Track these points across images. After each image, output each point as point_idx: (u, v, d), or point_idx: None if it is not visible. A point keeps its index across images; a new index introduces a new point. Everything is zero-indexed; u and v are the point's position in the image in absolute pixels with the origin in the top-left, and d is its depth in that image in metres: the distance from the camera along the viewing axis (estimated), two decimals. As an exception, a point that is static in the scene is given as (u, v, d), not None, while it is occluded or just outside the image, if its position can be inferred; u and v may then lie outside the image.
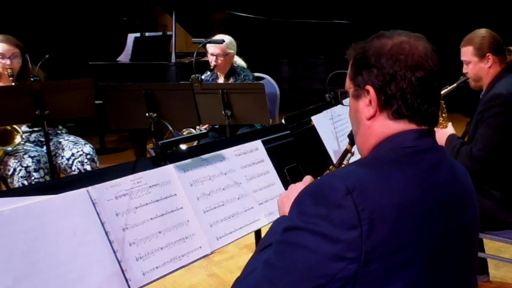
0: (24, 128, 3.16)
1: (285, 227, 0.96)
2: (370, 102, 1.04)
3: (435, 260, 0.96)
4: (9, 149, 3.00)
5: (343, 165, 1.38)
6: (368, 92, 1.03)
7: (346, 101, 1.20)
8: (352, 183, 0.91)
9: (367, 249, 0.87)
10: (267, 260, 0.97)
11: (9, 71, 3.00)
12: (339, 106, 2.19)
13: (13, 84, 2.99)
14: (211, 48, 3.56)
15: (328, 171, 1.42)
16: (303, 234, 0.91)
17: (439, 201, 0.98)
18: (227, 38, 3.60)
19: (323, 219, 0.89)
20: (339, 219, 0.88)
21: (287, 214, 1.08)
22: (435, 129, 2.86)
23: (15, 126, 3.00)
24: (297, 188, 1.26)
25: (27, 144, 3.13)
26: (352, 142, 1.29)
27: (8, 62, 3.02)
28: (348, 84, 1.11)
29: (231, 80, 3.67)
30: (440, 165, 1.02)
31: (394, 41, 1.03)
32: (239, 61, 3.79)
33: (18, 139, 3.01)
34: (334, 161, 1.72)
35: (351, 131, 1.33)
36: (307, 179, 1.31)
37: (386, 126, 1.03)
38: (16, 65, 3.05)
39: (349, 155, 1.34)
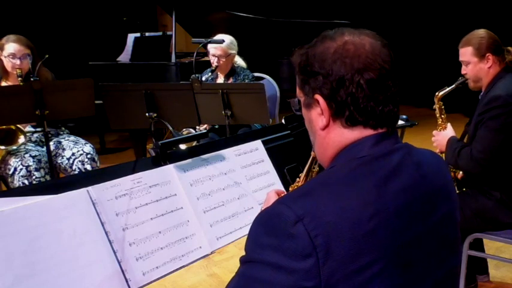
0: (28, 128, 3.16)
1: (243, 259, 0.93)
2: (322, 111, 0.98)
3: (405, 267, 0.92)
4: (14, 147, 3.01)
5: (313, 170, 1.35)
6: (318, 101, 0.97)
7: None
8: (301, 209, 0.86)
9: (326, 275, 0.83)
10: None
11: (18, 71, 3.01)
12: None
13: (20, 84, 3.00)
14: (212, 49, 3.56)
15: (298, 179, 1.39)
16: (258, 267, 0.87)
17: (402, 207, 0.93)
18: (228, 38, 3.60)
19: (276, 250, 0.85)
20: (291, 249, 0.84)
21: None
22: (435, 131, 2.85)
23: (19, 126, 3.01)
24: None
25: (28, 143, 3.13)
26: None
27: (18, 62, 3.03)
28: (298, 93, 1.05)
29: (231, 80, 3.66)
30: (402, 166, 0.96)
31: (338, 43, 0.96)
32: (239, 61, 3.79)
33: (22, 139, 3.01)
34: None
35: None
36: (271, 198, 1.26)
37: (342, 135, 0.98)
38: (26, 65, 3.05)
39: (316, 160, 1.32)
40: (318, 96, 0.97)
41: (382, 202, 0.90)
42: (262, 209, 1.24)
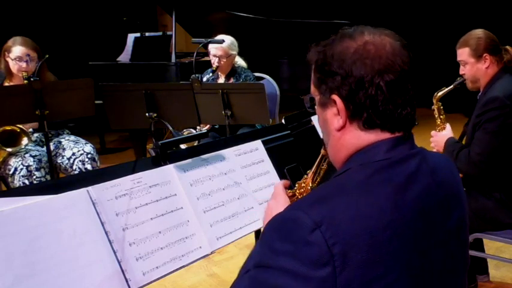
0: (29, 129, 3.17)
1: (256, 263, 0.90)
2: (338, 112, 0.95)
3: (421, 274, 0.91)
4: (17, 149, 3.01)
5: (322, 168, 1.35)
6: (335, 101, 0.95)
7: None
8: (319, 216, 0.84)
9: (342, 283, 0.82)
10: None
11: (24, 73, 3.02)
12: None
13: (20, 84, 3.01)
14: (213, 49, 3.56)
15: (305, 176, 1.38)
16: (273, 273, 0.85)
17: (419, 214, 0.92)
18: (229, 39, 3.60)
19: (292, 257, 0.83)
20: (308, 256, 0.82)
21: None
22: (433, 132, 2.84)
23: (23, 127, 3.02)
24: (273, 205, 1.20)
25: (28, 143, 3.14)
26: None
27: (24, 64, 3.04)
28: (313, 91, 1.02)
29: (232, 80, 3.67)
30: (418, 173, 0.94)
31: (358, 42, 0.94)
32: (240, 61, 3.80)
33: (25, 141, 3.02)
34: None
35: None
36: (279, 196, 1.24)
37: (358, 138, 0.95)
38: (32, 68, 3.06)
39: (325, 158, 1.31)
40: (335, 97, 0.95)
41: (398, 211, 0.89)
42: (269, 203, 1.24)
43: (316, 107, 1.03)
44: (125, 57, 5.35)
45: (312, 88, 1.03)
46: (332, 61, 0.95)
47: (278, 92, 3.93)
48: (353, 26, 0.99)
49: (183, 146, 2.29)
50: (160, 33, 5.85)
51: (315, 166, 1.34)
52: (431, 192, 0.96)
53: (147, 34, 5.51)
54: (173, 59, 5.03)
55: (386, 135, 0.95)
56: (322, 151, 1.28)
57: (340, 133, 0.97)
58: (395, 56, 0.93)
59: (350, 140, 0.96)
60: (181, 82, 4.52)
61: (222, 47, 3.52)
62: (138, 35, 5.39)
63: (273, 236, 0.88)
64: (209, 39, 3.52)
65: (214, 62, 3.57)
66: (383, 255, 0.85)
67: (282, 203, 1.20)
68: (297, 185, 1.37)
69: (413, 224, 0.90)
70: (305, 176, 1.38)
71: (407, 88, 0.94)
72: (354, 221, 0.85)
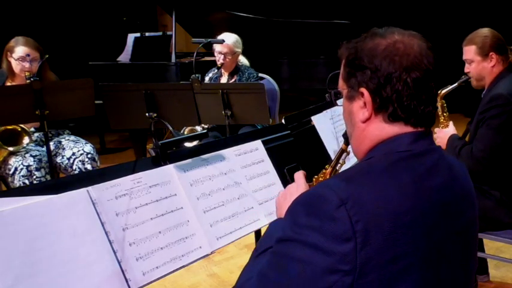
0: (31, 129, 3.17)
1: (279, 237, 0.95)
2: (365, 104, 1.01)
3: (433, 265, 0.94)
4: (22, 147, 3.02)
5: (339, 164, 1.36)
6: (362, 94, 1.00)
7: (340, 101, 1.17)
8: (345, 194, 0.89)
9: (362, 260, 0.86)
10: (262, 271, 0.96)
11: (27, 73, 3.01)
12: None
13: (20, 84, 3.01)
14: (218, 46, 3.57)
15: (324, 171, 1.40)
16: (296, 247, 0.89)
17: (436, 206, 0.96)
18: (234, 37, 3.62)
19: (316, 231, 0.88)
20: (332, 231, 0.87)
21: (283, 216, 1.06)
22: (437, 129, 2.85)
23: (24, 127, 3.02)
24: (293, 188, 1.25)
25: (29, 143, 3.14)
26: (347, 141, 1.27)
27: (27, 65, 3.04)
28: (341, 85, 1.08)
29: (235, 78, 3.67)
30: (437, 167, 0.99)
31: (388, 40, 0.99)
32: (243, 60, 3.81)
33: (26, 140, 3.02)
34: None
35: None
36: (300, 180, 1.28)
37: (382, 129, 1.00)
38: (35, 68, 3.06)
39: (344, 154, 1.33)
40: (363, 90, 1.00)
41: (419, 198, 0.93)
42: (290, 189, 1.27)
43: (343, 100, 1.08)
44: (125, 57, 5.35)
45: (340, 82, 1.08)
46: (363, 56, 1.00)
47: (278, 90, 3.93)
48: (383, 27, 1.04)
49: (188, 144, 2.28)
50: (160, 33, 5.85)
51: (334, 161, 1.36)
52: (449, 187, 1.00)
53: (147, 34, 5.51)
54: (173, 59, 5.03)
55: (409, 129, 1.00)
56: (343, 146, 1.30)
57: (365, 125, 1.02)
58: (422, 55, 0.99)
59: (374, 132, 1.01)
60: (181, 82, 4.52)
61: (228, 44, 3.53)
62: (138, 35, 5.39)
63: (299, 211, 0.92)
64: (209, 39, 3.53)
65: (219, 59, 3.57)
66: (402, 239, 0.89)
67: (303, 186, 1.25)
68: (314, 179, 1.39)
69: (431, 214, 0.94)
70: (323, 170, 1.39)
71: (431, 87, 1.00)
72: (378, 202, 0.89)
